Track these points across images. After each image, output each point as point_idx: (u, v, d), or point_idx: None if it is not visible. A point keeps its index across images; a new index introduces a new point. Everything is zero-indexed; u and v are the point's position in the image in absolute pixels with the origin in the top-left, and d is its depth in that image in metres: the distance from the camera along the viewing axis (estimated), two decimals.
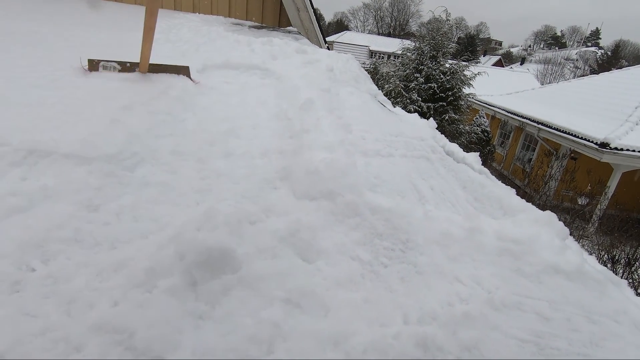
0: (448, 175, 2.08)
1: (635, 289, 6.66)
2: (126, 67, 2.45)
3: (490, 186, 1.92)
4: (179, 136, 1.93)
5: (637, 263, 6.80)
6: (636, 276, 6.85)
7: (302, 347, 0.93)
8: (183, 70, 2.55)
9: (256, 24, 6.20)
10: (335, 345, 0.95)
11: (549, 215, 1.54)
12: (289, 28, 6.24)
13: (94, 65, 2.36)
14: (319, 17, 6.70)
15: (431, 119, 2.89)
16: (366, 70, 14.97)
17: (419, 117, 2.95)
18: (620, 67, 20.77)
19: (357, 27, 58.61)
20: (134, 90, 2.25)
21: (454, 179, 1.97)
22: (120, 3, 5.62)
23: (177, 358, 0.87)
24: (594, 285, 1.28)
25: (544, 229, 1.48)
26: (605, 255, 7.59)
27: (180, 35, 3.52)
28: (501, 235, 1.46)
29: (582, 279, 1.29)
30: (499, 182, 2.06)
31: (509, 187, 2.03)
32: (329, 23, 62.32)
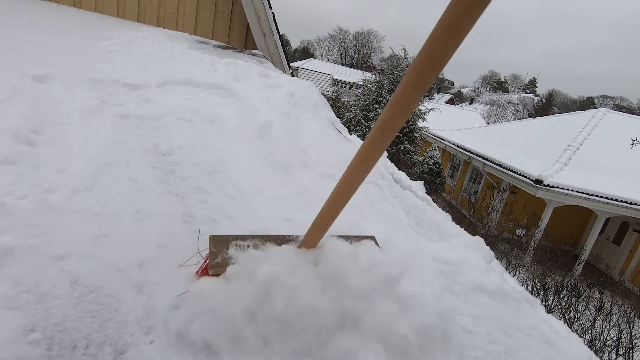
0: (394, 200, 2.23)
1: (563, 315, 7.27)
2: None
3: (430, 212, 2.10)
4: None
5: (564, 291, 7.44)
6: (564, 302, 7.48)
7: None
8: None
9: (222, 44, 6.28)
10: None
11: (478, 240, 1.72)
12: (254, 51, 6.38)
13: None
14: (284, 43, 6.93)
15: None
16: (328, 97, 15.50)
17: None
18: (553, 114, 23.32)
19: (322, 55, 60.79)
20: None
21: (399, 205, 2.13)
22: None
23: None
24: (511, 303, 1.44)
25: (473, 252, 1.65)
26: (538, 283, 8.25)
27: (142, 48, 3.49)
28: (436, 256, 1.60)
29: (502, 297, 1.45)
30: (439, 209, 2.25)
31: (446, 213, 2.22)
32: (295, 49, 64.07)
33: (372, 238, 1.33)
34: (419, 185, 2.53)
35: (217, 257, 1.13)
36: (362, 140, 3.38)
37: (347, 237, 1.28)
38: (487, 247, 1.69)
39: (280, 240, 1.23)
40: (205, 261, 1.18)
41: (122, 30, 4.14)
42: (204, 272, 1.15)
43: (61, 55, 2.75)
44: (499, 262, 8.49)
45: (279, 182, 2.03)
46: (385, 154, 2.91)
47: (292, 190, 1.97)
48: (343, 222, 1.72)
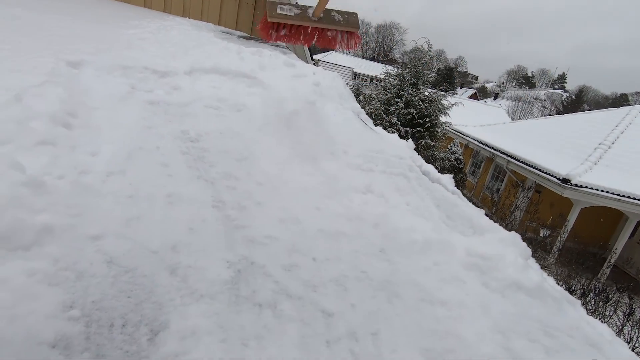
0: (423, 193, 2.16)
1: None
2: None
3: (462, 206, 2.02)
4: None
5: (590, 294, 7.17)
6: (590, 307, 7.21)
7: None
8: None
9: (245, 34, 6.28)
10: None
11: (514, 236, 1.64)
12: (277, 42, 6.34)
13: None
14: None
15: (409, 139, 3.01)
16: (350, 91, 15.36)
17: (398, 137, 3.06)
18: (583, 111, 22.36)
19: (342, 48, 60.15)
20: None
21: (429, 197, 2.06)
22: None
23: None
24: (551, 302, 1.37)
25: (509, 248, 1.58)
26: (563, 286, 7.98)
27: (170, 37, 3.52)
28: (470, 251, 1.53)
29: (541, 296, 1.38)
30: (470, 204, 2.17)
31: (479, 208, 2.14)
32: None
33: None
34: (448, 179, 2.45)
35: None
36: (385, 130, 3.32)
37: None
38: (524, 244, 1.61)
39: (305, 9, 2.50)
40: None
41: (149, 19, 4.18)
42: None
43: (92, 42, 2.79)
44: None
45: (306, 171, 2.00)
46: (413, 145, 2.83)
47: (319, 179, 1.93)
48: (374, 213, 1.68)
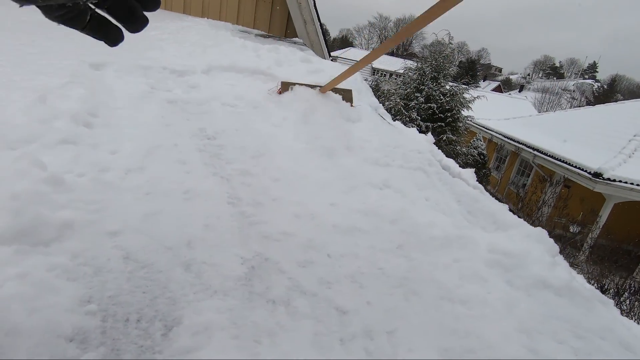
0: (443, 188, 2.10)
1: None
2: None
3: (484, 201, 1.95)
4: None
5: (625, 293, 6.82)
6: (624, 307, 6.86)
7: None
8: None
9: (263, 32, 6.30)
10: None
11: (540, 232, 1.56)
12: (294, 39, 6.35)
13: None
14: (324, 31, 6.82)
15: (429, 134, 2.93)
16: (368, 86, 15.19)
17: (417, 131, 2.99)
18: (616, 101, 21.21)
19: (361, 44, 59.67)
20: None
21: (449, 192, 2.00)
22: None
23: None
24: (581, 301, 1.30)
25: (535, 245, 1.50)
26: (595, 285, 7.62)
27: (188, 37, 3.57)
28: (493, 247, 1.47)
29: (570, 295, 1.30)
30: (493, 199, 2.09)
31: (503, 203, 2.05)
32: (334, 39, 63.38)
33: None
34: (469, 174, 2.37)
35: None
36: (405, 126, 3.24)
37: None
38: (551, 240, 1.53)
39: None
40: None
41: (169, 21, 4.26)
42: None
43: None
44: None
45: (322, 166, 1.98)
46: (433, 140, 2.75)
47: (336, 174, 1.91)
48: (391, 208, 1.64)
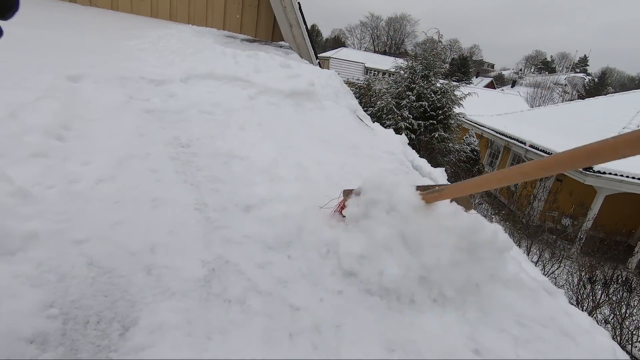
0: None
1: (613, 310, 6.76)
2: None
3: None
4: None
5: (614, 284, 6.91)
6: (615, 297, 6.95)
7: None
8: None
9: (249, 37, 6.37)
10: None
11: (495, 227, 1.64)
12: (280, 43, 6.42)
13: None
14: (311, 34, 6.89)
15: (403, 134, 3.01)
16: (360, 86, 15.25)
17: (394, 133, 3.07)
18: (607, 94, 21.38)
19: (353, 44, 59.80)
20: None
21: None
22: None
23: None
24: (527, 293, 1.37)
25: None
26: (586, 276, 7.72)
27: (169, 45, 3.63)
28: None
29: (517, 287, 1.38)
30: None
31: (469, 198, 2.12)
32: (327, 39, 63.51)
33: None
34: (440, 172, 2.45)
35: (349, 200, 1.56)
36: (389, 127, 3.30)
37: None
38: (506, 236, 1.60)
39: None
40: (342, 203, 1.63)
41: (152, 29, 4.33)
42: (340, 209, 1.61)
43: (93, 55, 2.93)
44: (537, 253, 7.97)
45: (291, 168, 2.04)
46: (406, 140, 2.83)
47: (305, 175, 1.98)
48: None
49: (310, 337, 1.08)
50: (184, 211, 1.52)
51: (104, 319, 1.02)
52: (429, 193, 1.44)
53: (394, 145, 2.67)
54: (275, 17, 6.42)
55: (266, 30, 6.71)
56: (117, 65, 2.85)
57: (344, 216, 1.55)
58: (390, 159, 2.39)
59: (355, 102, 3.68)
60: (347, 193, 1.63)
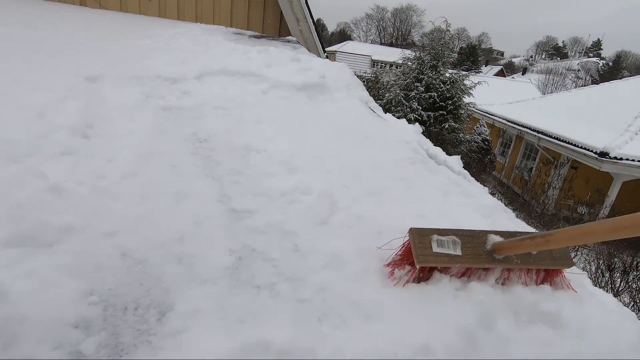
0: (429, 176, 2.18)
1: (633, 299, 6.65)
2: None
3: (465, 185, 2.02)
4: None
5: (633, 272, 6.80)
6: (635, 285, 6.84)
7: None
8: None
9: (256, 33, 6.39)
10: None
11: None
12: (288, 38, 6.42)
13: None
14: (318, 28, 6.87)
15: (417, 124, 3.01)
16: (367, 79, 15.16)
17: (407, 123, 3.06)
18: (622, 77, 20.82)
19: (359, 37, 59.36)
20: None
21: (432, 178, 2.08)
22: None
23: None
24: None
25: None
26: (603, 264, 7.60)
27: (180, 44, 3.68)
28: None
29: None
30: (477, 183, 2.16)
31: (484, 187, 2.12)
32: (332, 33, 63.11)
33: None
34: (455, 160, 2.44)
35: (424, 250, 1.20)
36: (398, 119, 3.31)
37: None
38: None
39: (477, 237, 1.28)
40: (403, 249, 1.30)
41: (163, 29, 4.38)
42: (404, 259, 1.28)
43: (109, 56, 2.99)
44: None
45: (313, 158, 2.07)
46: (420, 129, 2.83)
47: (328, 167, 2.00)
48: (367, 188, 1.72)
49: (337, 319, 1.11)
50: (207, 203, 1.56)
51: (141, 306, 1.06)
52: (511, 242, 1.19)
53: (407, 134, 2.67)
54: (282, 12, 6.43)
55: (273, 26, 6.73)
56: (132, 65, 2.90)
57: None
58: (405, 148, 2.39)
59: (367, 93, 3.68)
60: (420, 235, 1.21)
